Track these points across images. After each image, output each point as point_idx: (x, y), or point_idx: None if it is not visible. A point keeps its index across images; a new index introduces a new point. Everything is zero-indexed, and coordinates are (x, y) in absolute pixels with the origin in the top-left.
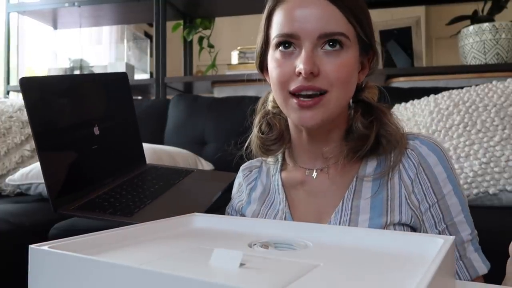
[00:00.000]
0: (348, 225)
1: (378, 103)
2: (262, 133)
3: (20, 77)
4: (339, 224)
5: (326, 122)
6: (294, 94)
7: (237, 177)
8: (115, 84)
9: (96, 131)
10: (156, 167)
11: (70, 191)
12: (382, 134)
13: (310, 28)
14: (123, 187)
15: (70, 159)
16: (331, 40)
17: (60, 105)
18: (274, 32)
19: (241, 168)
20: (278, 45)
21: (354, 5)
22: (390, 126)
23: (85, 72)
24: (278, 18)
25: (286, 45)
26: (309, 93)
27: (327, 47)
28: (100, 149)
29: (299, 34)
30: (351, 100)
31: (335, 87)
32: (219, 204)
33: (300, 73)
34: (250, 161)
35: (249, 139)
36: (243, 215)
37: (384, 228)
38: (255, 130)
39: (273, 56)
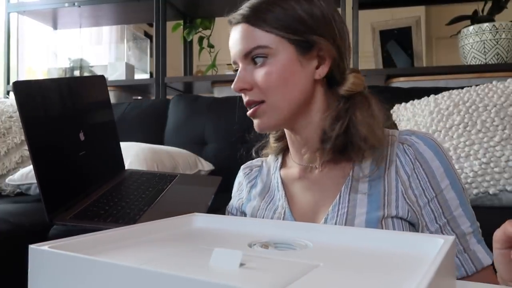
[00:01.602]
0: (346, 218)
1: (364, 92)
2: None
3: (20, 77)
4: (337, 216)
5: (279, 126)
6: None
7: (237, 176)
8: (94, 87)
9: (82, 136)
10: (137, 172)
11: (63, 200)
12: (352, 133)
13: (237, 51)
14: (112, 193)
15: (62, 168)
16: (253, 55)
17: (52, 111)
18: None
19: (242, 167)
20: (235, 72)
21: (270, 14)
22: (360, 121)
23: (85, 72)
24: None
25: (236, 70)
26: (252, 106)
27: (255, 62)
28: (87, 155)
29: (235, 59)
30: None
31: (269, 95)
32: (218, 205)
33: None
34: (251, 161)
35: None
36: (243, 212)
37: (381, 221)
38: (270, 135)
39: None
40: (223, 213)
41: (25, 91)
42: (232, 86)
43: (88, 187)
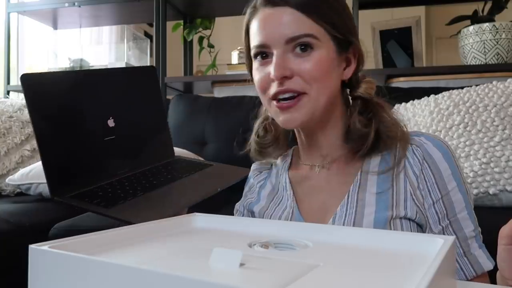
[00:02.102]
0: (354, 218)
1: (376, 97)
2: (258, 137)
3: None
4: (345, 216)
5: (309, 122)
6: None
7: (248, 177)
8: (140, 77)
9: (111, 123)
10: (183, 160)
11: (71, 180)
12: (382, 130)
13: (277, 35)
14: (131, 178)
15: (73, 149)
16: (299, 42)
17: (62, 99)
18: (251, 43)
19: (252, 168)
20: (255, 55)
21: (321, 6)
22: (389, 121)
23: None
24: (252, 30)
25: (262, 54)
26: (286, 96)
27: (297, 50)
28: (114, 140)
29: (268, 42)
30: (350, 98)
31: (312, 86)
32: (219, 205)
33: (273, 79)
34: (260, 162)
35: (248, 143)
36: (251, 211)
37: (389, 222)
38: (253, 134)
39: (254, 65)
40: (223, 214)
41: (32, 83)
42: (272, 72)
43: (112, 171)
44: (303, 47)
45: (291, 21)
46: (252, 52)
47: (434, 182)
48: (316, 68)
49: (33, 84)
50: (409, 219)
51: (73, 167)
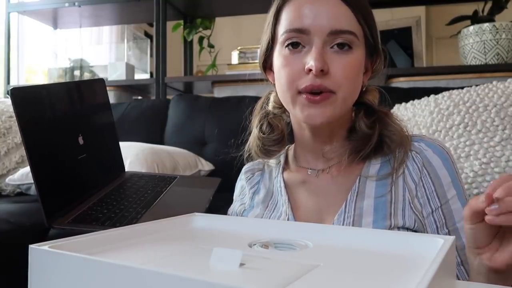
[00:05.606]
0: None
1: (378, 106)
2: (263, 134)
3: (20, 76)
4: (343, 226)
5: (331, 120)
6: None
7: (239, 179)
8: (93, 91)
9: (81, 140)
10: (137, 175)
11: (62, 204)
12: (385, 134)
13: (321, 24)
14: (111, 196)
15: (61, 172)
16: (341, 38)
17: (50, 116)
18: (283, 28)
19: (243, 170)
20: (287, 41)
21: (363, 6)
22: (393, 126)
23: (86, 72)
24: (287, 15)
25: (295, 41)
26: (317, 91)
27: (336, 46)
28: (86, 158)
29: (310, 29)
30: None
31: (342, 87)
32: (218, 206)
33: (310, 70)
34: (252, 163)
35: (249, 141)
36: None
37: None
38: (255, 130)
39: (281, 53)
40: (223, 214)
41: (23, 97)
42: (313, 63)
43: (88, 190)
44: (343, 44)
45: (339, 14)
46: (284, 37)
47: (433, 190)
48: (349, 69)
49: (22, 100)
50: (407, 229)
51: (62, 190)
